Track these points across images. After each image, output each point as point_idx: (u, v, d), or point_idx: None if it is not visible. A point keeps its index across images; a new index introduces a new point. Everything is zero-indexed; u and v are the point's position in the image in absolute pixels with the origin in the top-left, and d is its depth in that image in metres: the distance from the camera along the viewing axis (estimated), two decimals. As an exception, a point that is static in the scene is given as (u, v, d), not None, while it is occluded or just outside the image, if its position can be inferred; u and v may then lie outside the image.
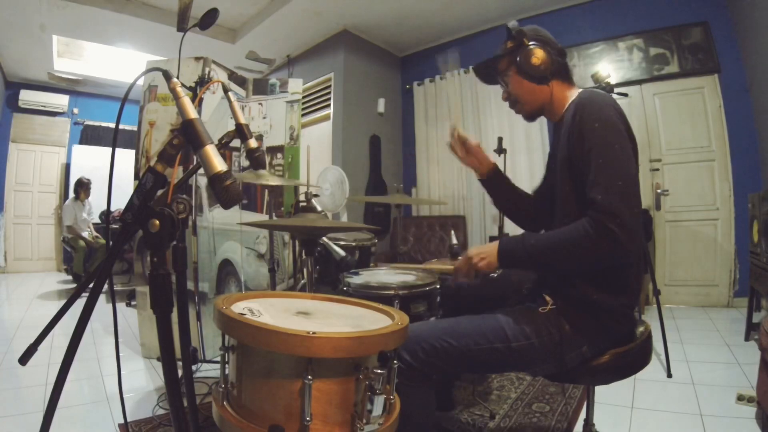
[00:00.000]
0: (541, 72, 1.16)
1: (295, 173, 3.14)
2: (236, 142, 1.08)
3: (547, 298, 1.10)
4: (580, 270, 1.06)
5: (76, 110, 6.79)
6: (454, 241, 2.34)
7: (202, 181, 2.58)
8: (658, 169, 3.80)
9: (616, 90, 2.58)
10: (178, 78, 0.90)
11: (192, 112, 0.75)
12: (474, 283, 1.38)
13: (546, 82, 1.18)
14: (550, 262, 1.06)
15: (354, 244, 2.23)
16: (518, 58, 1.17)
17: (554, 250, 1.03)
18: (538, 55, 1.15)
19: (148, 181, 0.75)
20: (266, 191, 3.01)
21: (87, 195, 5.43)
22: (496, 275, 1.72)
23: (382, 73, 5.35)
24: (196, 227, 2.53)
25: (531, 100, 1.22)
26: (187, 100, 0.76)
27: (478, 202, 4.65)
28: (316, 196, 1.80)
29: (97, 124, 6.92)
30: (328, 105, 5.01)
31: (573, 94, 1.18)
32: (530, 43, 1.16)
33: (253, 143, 1.08)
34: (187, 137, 0.75)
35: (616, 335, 1.10)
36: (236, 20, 4.93)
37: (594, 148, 1.01)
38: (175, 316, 0.79)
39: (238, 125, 1.06)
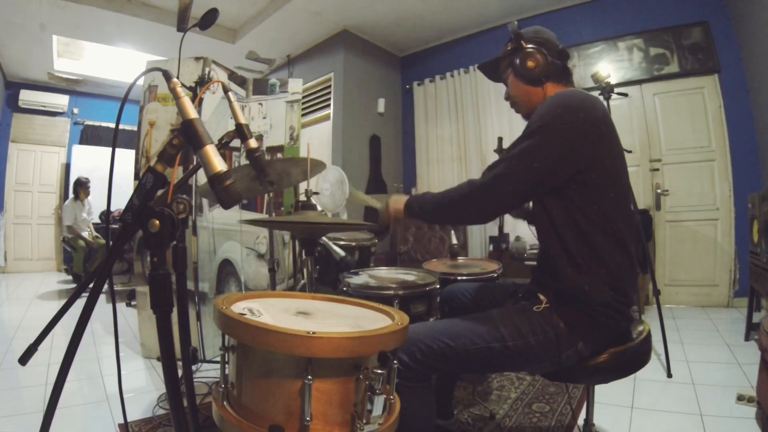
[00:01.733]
0: (534, 74, 1.18)
1: (295, 173, 3.13)
2: (236, 142, 1.08)
3: (541, 296, 1.10)
4: (462, 221, 1.31)
5: (76, 110, 6.78)
6: (454, 241, 2.34)
7: (202, 181, 2.58)
8: (658, 169, 3.80)
9: (616, 90, 2.58)
10: (178, 78, 0.90)
11: (192, 112, 0.75)
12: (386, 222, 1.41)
13: (540, 84, 1.20)
14: (437, 212, 1.21)
15: (354, 244, 2.23)
16: (515, 61, 1.20)
17: (440, 200, 1.18)
18: (533, 57, 1.17)
19: (148, 181, 0.75)
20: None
21: (87, 194, 5.43)
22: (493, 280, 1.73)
23: (382, 73, 5.35)
24: (196, 227, 2.53)
25: (526, 101, 1.25)
26: (187, 100, 0.76)
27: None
28: (315, 193, 1.80)
29: (97, 124, 6.92)
30: (328, 105, 5.01)
31: None
32: (527, 45, 1.18)
33: (253, 143, 1.08)
34: (187, 137, 0.75)
35: (612, 332, 1.10)
36: (236, 20, 4.93)
37: (520, 138, 1.09)
38: (175, 316, 0.79)
39: (238, 125, 1.06)
